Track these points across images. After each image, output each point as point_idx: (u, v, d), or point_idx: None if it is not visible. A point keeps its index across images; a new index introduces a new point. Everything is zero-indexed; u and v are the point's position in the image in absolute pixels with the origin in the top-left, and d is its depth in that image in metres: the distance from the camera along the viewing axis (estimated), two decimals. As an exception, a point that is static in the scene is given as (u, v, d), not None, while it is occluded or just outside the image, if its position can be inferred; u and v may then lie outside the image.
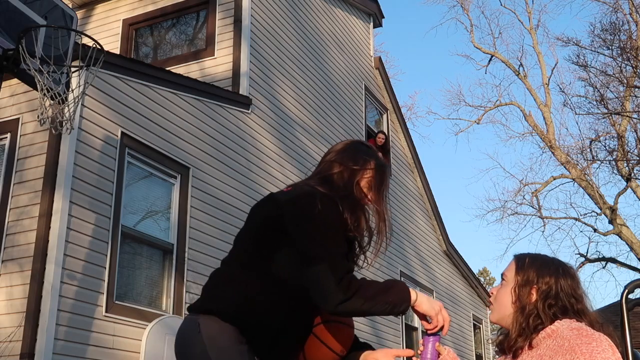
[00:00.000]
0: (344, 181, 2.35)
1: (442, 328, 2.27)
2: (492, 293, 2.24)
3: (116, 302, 5.91)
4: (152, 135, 6.67)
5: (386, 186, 2.43)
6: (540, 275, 2.14)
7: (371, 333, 10.25)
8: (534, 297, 2.10)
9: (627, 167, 19.92)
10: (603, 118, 20.01)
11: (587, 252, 21.03)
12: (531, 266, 2.17)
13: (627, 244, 19.71)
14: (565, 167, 20.95)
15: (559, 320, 2.05)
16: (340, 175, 2.36)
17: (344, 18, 11.90)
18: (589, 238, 25.32)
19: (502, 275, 2.25)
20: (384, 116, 12.94)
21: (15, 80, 5.51)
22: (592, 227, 20.99)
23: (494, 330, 15.84)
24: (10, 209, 5.73)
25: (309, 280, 2.14)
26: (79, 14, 9.70)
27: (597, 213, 20.68)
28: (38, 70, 4.48)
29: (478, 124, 23.65)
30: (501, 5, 34.53)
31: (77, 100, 4.87)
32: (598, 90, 19.70)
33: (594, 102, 20.02)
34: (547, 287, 2.11)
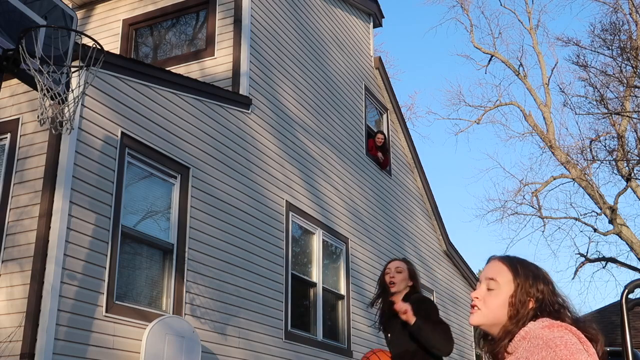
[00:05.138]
0: None
1: None
2: (476, 297, 2.12)
3: (116, 302, 5.90)
4: (152, 135, 6.67)
5: None
6: (534, 282, 2.08)
7: (371, 333, 10.25)
8: (530, 305, 2.05)
9: (627, 167, 19.92)
10: (603, 118, 20.03)
11: (587, 252, 21.06)
12: (525, 273, 2.09)
13: (627, 244, 19.73)
14: (565, 167, 20.97)
15: (532, 322, 2.02)
16: None
17: (344, 18, 11.90)
18: (589, 238, 25.27)
19: (488, 278, 2.12)
20: (384, 116, 12.94)
21: (15, 80, 5.51)
22: (592, 227, 21.02)
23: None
24: (10, 209, 5.73)
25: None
26: (79, 14, 9.70)
27: (597, 213, 20.71)
28: (38, 70, 4.48)
29: (478, 124, 23.68)
30: (501, 5, 34.54)
31: (77, 100, 4.87)
32: (598, 90, 19.71)
33: (594, 102, 20.03)
34: (542, 295, 2.06)
